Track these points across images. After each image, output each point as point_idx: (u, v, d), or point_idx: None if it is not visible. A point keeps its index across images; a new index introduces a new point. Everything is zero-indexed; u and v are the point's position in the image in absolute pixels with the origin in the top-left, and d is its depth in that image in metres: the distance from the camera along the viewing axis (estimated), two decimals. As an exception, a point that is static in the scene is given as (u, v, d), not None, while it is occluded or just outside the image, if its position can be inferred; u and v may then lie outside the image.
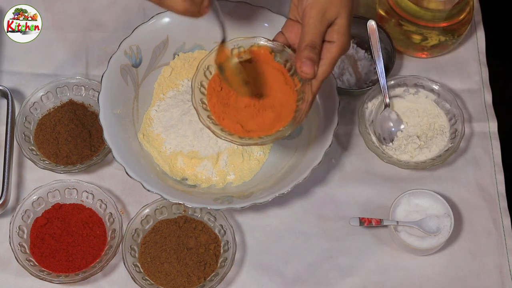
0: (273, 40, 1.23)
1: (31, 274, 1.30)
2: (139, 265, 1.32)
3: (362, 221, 1.34)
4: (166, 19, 1.41)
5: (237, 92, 1.22)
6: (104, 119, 1.32)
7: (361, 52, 1.49)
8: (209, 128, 1.22)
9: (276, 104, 1.22)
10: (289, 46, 1.22)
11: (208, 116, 1.23)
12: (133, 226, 1.33)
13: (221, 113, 1.23)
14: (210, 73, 1.24)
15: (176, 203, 1.34)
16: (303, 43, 1.16)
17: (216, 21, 1.19)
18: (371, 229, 1.37)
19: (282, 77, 1.22)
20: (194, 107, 1.22)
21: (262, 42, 1.24)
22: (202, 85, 1.24)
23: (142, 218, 1.34)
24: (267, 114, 1.22)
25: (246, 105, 1.22)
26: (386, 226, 1.36)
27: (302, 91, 1.20)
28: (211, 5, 1.15)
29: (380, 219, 1.34)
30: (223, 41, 1.22)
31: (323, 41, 1.17)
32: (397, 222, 1.34)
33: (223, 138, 1.21)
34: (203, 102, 1.23)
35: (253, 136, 1.22)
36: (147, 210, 1.34)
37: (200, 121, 1.22)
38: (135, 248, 1.33)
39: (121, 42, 1.38)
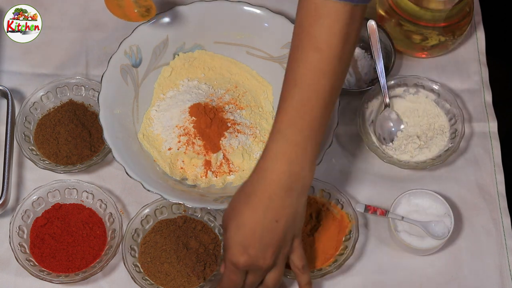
0: None
1: (31, 274, 1.29)
2: (139, 265, 1.32)
3: (367, 208, 1.34)
4: (166, 19, 1.41)
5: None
6: (104, 119, 1.32)
7: (361, 52, 1.49)
8: None
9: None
10: None
11: None
12: (133, 226, 1.33)
13: None
14: None
15: (176, 203, 1.34)
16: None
17: None
18: (371, 229, 1.37)
19: None
20: None
21: None
22: None
23: (142, 218, 1.34)
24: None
25: None
26: (386, 225, 1.35)
27: None
28: None
29: (386, 210, 1.34)
30: None
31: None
32: (402, 217, 1.33)
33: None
34: None
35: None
36: (147, 210, 1.34)
37: None
38: (135, 248, 1.33)
39: (121, 42, 1.38)
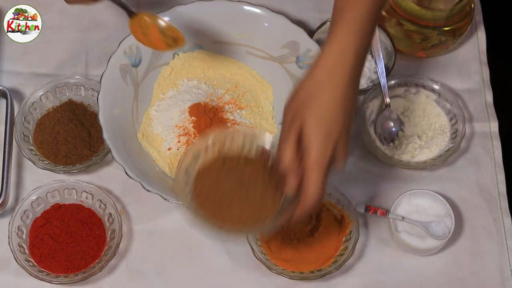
0: None
1: (30, 274, 1.29)
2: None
3: (368, 208, 1.34)
4: (166, 19, 1.41)
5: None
6: (103, 119, 1.32)
7: (362, 52, 1.48)
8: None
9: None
10: None
11: None
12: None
13: None
14: None
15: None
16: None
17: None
18: (371, 229, 1.37)
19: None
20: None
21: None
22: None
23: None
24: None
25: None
26: (387, 225, 1.35)
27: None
28: None
29: (386, 210, 1.34)
30: (131, 15, 1.33)
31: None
32: (403, 217, 1.33)
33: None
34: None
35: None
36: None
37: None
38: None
39: (120, 42, 1.38)
